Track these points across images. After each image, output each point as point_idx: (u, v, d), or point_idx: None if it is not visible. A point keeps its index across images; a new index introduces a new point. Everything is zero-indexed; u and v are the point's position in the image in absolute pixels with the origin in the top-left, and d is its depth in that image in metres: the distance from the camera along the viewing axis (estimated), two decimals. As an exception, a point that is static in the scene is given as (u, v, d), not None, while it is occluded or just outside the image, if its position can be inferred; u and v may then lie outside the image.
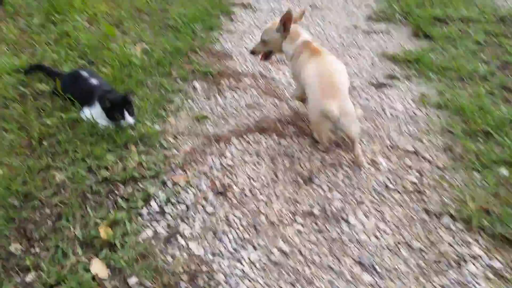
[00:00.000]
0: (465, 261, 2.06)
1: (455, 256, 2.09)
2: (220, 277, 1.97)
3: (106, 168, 2.53)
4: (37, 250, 2.07)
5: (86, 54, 3.67)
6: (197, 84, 3.42)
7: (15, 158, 2.52)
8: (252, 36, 4.21)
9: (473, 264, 2.04)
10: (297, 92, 2.93)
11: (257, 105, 3.20)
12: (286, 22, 2.76)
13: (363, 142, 2.84)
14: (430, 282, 1.96)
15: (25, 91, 3.15)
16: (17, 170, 2.43)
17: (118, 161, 2.59)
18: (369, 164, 2.67)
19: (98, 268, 1.97)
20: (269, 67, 3.72)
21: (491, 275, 1.99)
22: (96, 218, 2.21)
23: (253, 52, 3.01)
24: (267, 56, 3.02)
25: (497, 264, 2.03)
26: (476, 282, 1.95)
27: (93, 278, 1.92)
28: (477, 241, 2.17)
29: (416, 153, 2.77)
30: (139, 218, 2.25)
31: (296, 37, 2.79)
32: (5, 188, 2.31)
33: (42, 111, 2.94)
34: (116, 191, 2.40)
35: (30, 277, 1.93)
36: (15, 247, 2.07)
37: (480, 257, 2.08)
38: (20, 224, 2.18)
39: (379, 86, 3.47)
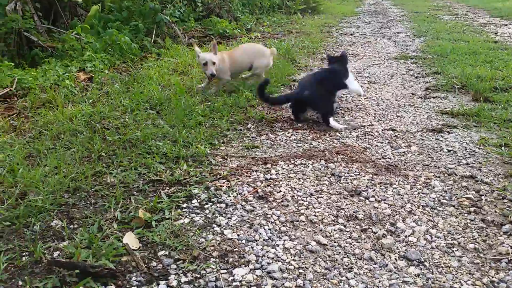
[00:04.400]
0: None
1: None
2: (252, 257, 1.86)
3: (155, 174, 2.64)
4: (76, 226, 2.12)
5: (156, 105, 4.06)
6: (251, 126, 3.58)
7: (73, 167, 2.71)
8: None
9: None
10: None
11: (307, 140, 3.24)
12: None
13: (416, 170, 2.71)
14: (488, 276, 1.68)
15: (96, 125, 3.49)
16: (71, 174, 2.59)
17: (167, 170, 2.69)
18: (421, 185, 2.51)
19: (130, 239, 1.97)
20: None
21: None
22: (137, 204, 2.25)
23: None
24: None
25: None
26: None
27: (124, 248, 1.90)
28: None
29: (473, 177, 2.57)
30: (179, 209, 2.25)
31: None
32: (59, 184, 2.47)
33: (106, 137, 3.21)
34: (161, 190, 2.46)
35: (63, 244, 1.95)
36: (55, 223, 2.14)
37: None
38: (65, 208, 2.28)
39: (436, 131, 3.39)
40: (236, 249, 1.90)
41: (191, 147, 3.03)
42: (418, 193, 2.43)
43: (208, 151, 3.01)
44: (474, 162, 2.79)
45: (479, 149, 3.01)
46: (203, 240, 1.97)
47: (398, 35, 9.32)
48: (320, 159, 2.88)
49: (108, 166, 2.75)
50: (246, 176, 2.65)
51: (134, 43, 6.86)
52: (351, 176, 2.64)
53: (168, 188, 2.48)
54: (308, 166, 2.79)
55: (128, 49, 6.68)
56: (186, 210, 2.25)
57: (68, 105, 4.30)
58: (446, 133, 3.36)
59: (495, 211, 2.20)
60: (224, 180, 2.59)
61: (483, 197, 2.33)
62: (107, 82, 5.11)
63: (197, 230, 2.06)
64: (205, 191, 2.46)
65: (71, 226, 2.11)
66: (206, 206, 2.29)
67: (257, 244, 1.94)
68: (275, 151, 3.05)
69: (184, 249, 1.89)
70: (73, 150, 2.93)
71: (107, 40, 6.54)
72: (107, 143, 3.05)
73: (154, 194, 2.41)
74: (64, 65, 5.79)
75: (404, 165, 2.80)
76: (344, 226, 2.10)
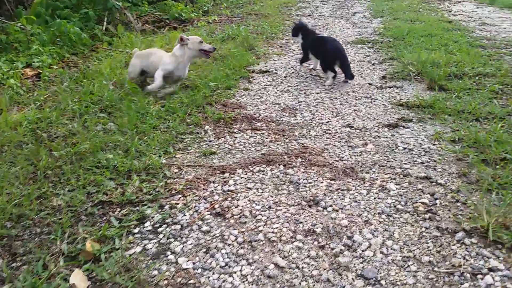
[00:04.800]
0: (481, 273, 1.80)
1: (470, 268, 1.83)
2: (207, 289, 1.80)
3: (105, 194, 2.50)
4: (19, 264, 1.98)
5: (107, 107, 3.86)
6: (208, 128, 3.47)
7: (17, 188, 2.53)
8: (267, 93, 4.33)
9: (491, 276, 1.78)
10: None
11: (265, 143, 3.18)
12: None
13: (373, 172, 2.71)
14: (443, 294, 1.70)
15: (43, 135, 3.28)
16: (15, 196, 2.43)
17: (118, 187, 2.56)
18: (377, 189, 2.51)
19: (77, 279, 1.85)
20: (283, 113, 3.75)
21: (510, 286, 1.71)
22: (85, 234, 2.13)
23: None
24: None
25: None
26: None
27: None
28: (494, 254, 1.91)
29: (428, 178, 2.60)
30: (130, 236, 2.15)
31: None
32: (1, 212, 2.30)
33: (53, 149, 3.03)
34: (111, 213, 2.34)
35: None
36: (-4, 260, 1.99)
37: (498, 268, 1.82)
38: (7, 241, 2.13)
39: (392, 126, 3.40)
40: (191, 281, 1.84)
41: (145, 157, 2.90)
42: (375, 198, 2.42)
43: (163, 160, 2.90)
44: (429, 160, 2.82)
45: (434, 145, 3.04)
46: (156, 272, 1.89)
47: (356, 16, 9.31)
48: (279, 164, 2.83)
49: (55, 186, 2.59)
50: (203, 189, 2.57)
51: (84, 33, 6.50)
52: (309, 183, 2.60)
53: (118, 209, 2.37)
54: (267, 174, 2.73)
55: (78, 39, 6.33)
56: (138, 236, 2.15)
57: (12, 108, 4.03)
58: (401, 127, 3.38)
59: (449, 217, 2.22)
60: (180, 196, 2.49)
61: (437, 201, 2.36)
62: (55, 80, 4.83)
63: (150, 261, 1.97)
64: (159, 210, 2.36)
65: (14, 265, 1.97)
66: (160, 230, 2.20)
67: (213, 273, 1.88)
68: (233, 157, 2.97)
69: (136, 287, 1.80)
70: (18, 167, 2.74)
71: (55, 31, 6.16)
72: (54, 158, 2.87)
73: (104, 218, 2.29)
74: (8, 61, 5.43)
75: (361, 167, 2.79)
76: (302, 243, 2.07)
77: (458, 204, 2.34)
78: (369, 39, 6.73)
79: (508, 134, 3.04)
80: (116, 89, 4.30)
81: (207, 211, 2.34)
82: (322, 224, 2.21)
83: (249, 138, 3.28)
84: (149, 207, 2.37)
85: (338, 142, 3.18)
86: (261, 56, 5.96)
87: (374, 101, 4.04)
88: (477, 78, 4.42)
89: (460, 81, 4.32)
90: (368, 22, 8.43)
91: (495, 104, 3.67)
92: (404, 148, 3.01)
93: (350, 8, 10.47)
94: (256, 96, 4.24)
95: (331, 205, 2.37)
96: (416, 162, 2.81)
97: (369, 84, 4.57)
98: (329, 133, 3.33)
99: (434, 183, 2.55)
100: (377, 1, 11.20)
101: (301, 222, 2.23)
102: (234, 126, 3.50)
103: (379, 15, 8.99)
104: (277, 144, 3.15)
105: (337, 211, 2.32)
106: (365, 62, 5.49)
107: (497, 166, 2.65)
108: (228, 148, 3.12)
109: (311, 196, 2.46)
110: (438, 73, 4.55)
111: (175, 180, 2.67)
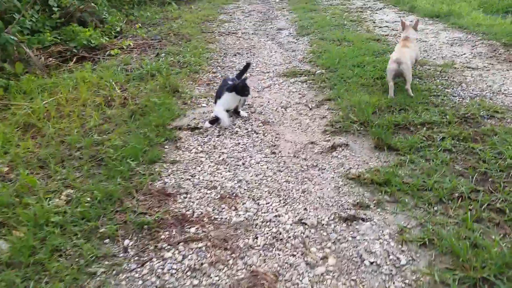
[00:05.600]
0: None
1: None
2: None
3: None
4: None
5: (-6, 214, 2.99)
6: (128, 243, 2.76)
7: None
8: (199, 167, 3.67)
9: None
10: None
11: (203, 269, 2.54)
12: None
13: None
14: None
15: None
16: None
17: None
18: None
19: None
20: (222, 206, 3.13)
21: None
22: None
23: None
24: None
25: None
26: None
27: None
28: None
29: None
30: None
31: None
32: None
33: None
34: None
35: None
36: None
37: None
38: None
39: (350, 219, 2.93)
40: None
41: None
42: None
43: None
44: (403, 286, 2.37)
45: (403, 252, 2.61)
46: None
47: (282, 33, 8.91)
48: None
49: None
50: None
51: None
52: None
53: None
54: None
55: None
56: None
57: None
58: (360, 221, 2.92)
59: None
60: None
61: None
62: None
63: None
64: None
65: None
66: None
67: None
68: (164, 303, 2.31)
69: None
70: None
71: None
72: None
73: None
74: None
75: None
76: None
77: None
78: (301, 70, 6.28)
79: (481, 229, 2.69)
80: (8, 183, 3.39)
81: None
82: None
83: (182, 259, 2.61)
84: None
85: (293, 255, 2.62)
86: (187, 101, 5.25)
87: (322, 172, 3.55)
88: (424, 129, 4.12)
89: (409, 137, 3.98)
90: (295, 43, 8.03)
91: (452, 170, 3.37)
92: (371, 263, 2.53)
93: (274, 22, 10.05)
94: (187, 173, 3.56)
95: None
96: (389, 290, 2.35)
97: (311, 143, 4.08)
98: (280, 240, 2.77)
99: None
100: (300, 12, 10.90)
101: None
102: (162, 237, 2.82)
103: (305, 33, 8.63)
104: (219, 270, 2.53)
105: None
106: (301, 106, 5.02)
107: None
108: (156, 287, 2.44)
109: None
110: (383, 124, 4.19)
111: None
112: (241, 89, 4.47)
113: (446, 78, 5.58)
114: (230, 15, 11.18)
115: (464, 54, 6.68)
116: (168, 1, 12.46)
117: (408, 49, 5.10)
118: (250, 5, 12.59)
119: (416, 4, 10.12)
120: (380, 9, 10.83)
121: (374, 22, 9.30)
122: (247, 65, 5.03)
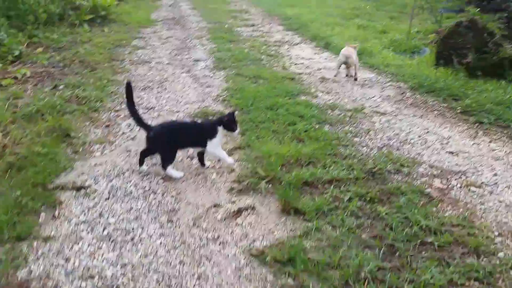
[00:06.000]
0: None
1: None
2: None
3: None
4: None
5: None
6: None
7: None
8: (77, 245, 3.10)
9: None
10: None
11: None
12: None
13: None
14: None
15: None
16: None
17: None
18: None
19: None
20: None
21: None
22: None
23: None
24: None
25: None
26: None
27: None
28: None
29: None
30: None
31: None
32: None
33: None
34: None
35: None
36: None
37: None
38: None
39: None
40: None
41: None
42: None
43: None
44: None
45: None
46: None
47: (198, 65, 8.56)
48: None
49: None
50: None
51: None
52: None
53: None
54: None
55: None
56: None
57: None
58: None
59: None
60: None
61: None
62: None
63: None
64: None
65: None
66: None
67: None
68: None
69: None
70: None
71: None
72: None
73: None
74: None
75: None
76: None
77: None
78: (213, 111, 5.95)
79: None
80: None
81: None
82: None
83: None
84: None
85: None
86: (78, 149, 4.64)
87: (223, 248, 3.17)
88: (332, 187, 3.94)
89: (316, 198, 3.76)
90: (211, 77, 7.70)
91: (359, 241, 3.18)
92: None
93: (191, 52, 9.67)
94: (60, 256, 2.96)
95: None
96: None
97: (215, 206, 3.71)
98: None
99: None
100: (219, 42, 10.63)
101: None
102: None
103: (222, 66, 8.34)
104: None
105: None
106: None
107: None
108: None
109: None
110: (291, 181, 3.95)
111: None
112: (229, 123, 4.16)
113: (355, 125, 5.56)
114: (145, 41, 10.60)
115: (374, 97, 6.79)
116: (80, 22, 11.55)
117: (353, 48, 7.44)
118: (168, 31, 12.09)
119: (331, 41, 10.32)
120: (297, 44, 10.88)
121: (290, 58, 9.26)
122: (128, 86, 4.12)
